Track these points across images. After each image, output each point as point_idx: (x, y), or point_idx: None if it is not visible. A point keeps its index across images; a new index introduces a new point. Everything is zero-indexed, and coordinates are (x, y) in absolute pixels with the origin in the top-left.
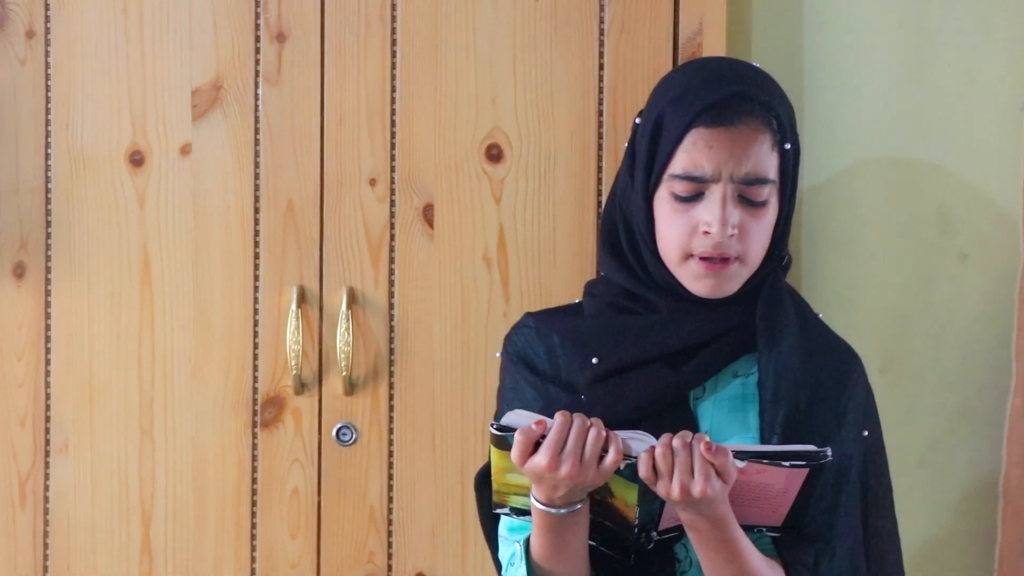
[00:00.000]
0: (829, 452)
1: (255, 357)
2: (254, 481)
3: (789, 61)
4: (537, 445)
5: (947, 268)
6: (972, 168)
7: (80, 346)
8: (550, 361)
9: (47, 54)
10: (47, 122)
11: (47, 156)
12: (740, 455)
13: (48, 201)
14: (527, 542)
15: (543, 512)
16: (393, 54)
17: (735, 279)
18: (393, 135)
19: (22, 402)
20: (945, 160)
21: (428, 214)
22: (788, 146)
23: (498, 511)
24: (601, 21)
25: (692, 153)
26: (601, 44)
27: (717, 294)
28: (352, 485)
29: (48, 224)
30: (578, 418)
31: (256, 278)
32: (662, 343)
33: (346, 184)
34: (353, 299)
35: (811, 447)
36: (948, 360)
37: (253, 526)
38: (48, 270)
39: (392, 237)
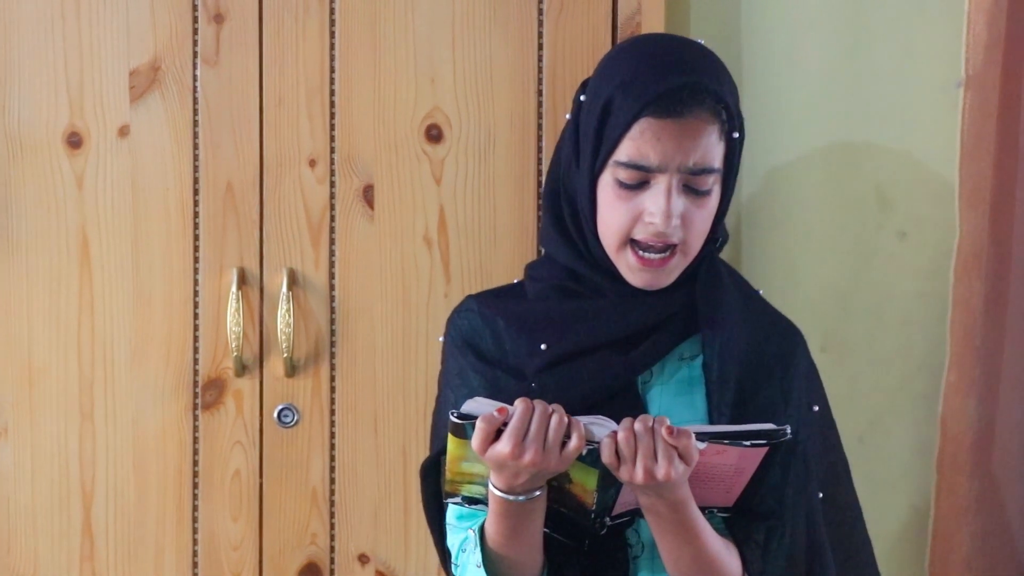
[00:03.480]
0: (788, 430)
1: (195, 339)
2: (195, 463)
3: (727, 42)
4: (498, 433)
5: (886, 246)
6: (909, 145)
7: (19, 329)
8: (496, 345)
9: None
10: None
11: None
12: (701, 436)
13: None
14: (482, 528)
15: (501, 499)
16: (332, 34)
17: (673, 272)
18: (332, 116)
19: None
20: (883, 138)
21: (368, 195)
22: (736, 135)
23: (449, 501)
24: (540, 1)
25: (639, 143)
26: (540, 24)
27: (653, 286)
28: (294, 467)
29: None
30: (540, 405)
31: (196, 260)
32: (610, 329)
33: (285, 165)
34: (293, 281)
35: (771, 425)
36: (888, 337)
37: (194, 509)
38: None
39: (332, 218)
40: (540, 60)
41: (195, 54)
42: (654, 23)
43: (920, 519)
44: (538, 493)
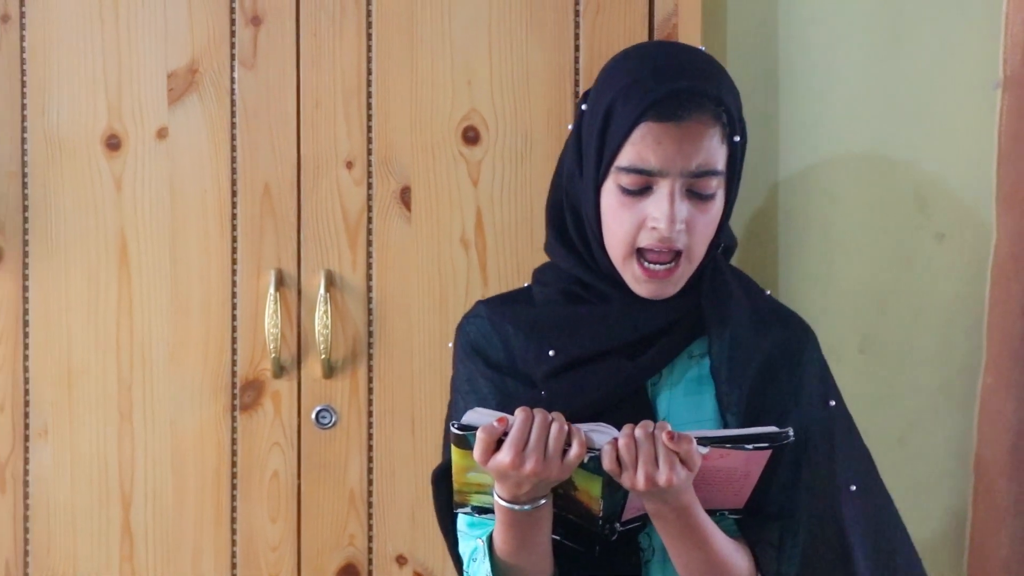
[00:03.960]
0: (791, 433)
1: (233, 340)
2: (234, 465)
3: (764, 43)
4: (499, 443)
5: (924, 248)
6: (947, 147)
7: (58, 330)
8: (505, 352)
9: (22, 38)
10: (23, 107)
11: (23, 141)
12: (703, 441)
13: (25, 186)
14: (490, 538)
15: (507, 509)
16: (369, 36)
17: (679, 282)
18: (369, 118)
19: (0, 387)
20: (920, 139)
21: (405, 197)
22: (737, 139)
23: (459, 510)
24: (576, 3)
25: (640, 147)
26: (577, 26)
27: (659, 296)
28: (332, 468)
29: (25, 209)
30: (539, 414)
31: (234, 262)
32: (618, 334)
33: (323, 167)
34: (331, 282)
35: (773, 429)
36: (926, 339)
37: (233, 510)
38: (25, 255)
39: (369, 220)
40: (577, 62)
41: (232, 56)
42: (691, 25)
43: (958, 522)
44: (543, 502)
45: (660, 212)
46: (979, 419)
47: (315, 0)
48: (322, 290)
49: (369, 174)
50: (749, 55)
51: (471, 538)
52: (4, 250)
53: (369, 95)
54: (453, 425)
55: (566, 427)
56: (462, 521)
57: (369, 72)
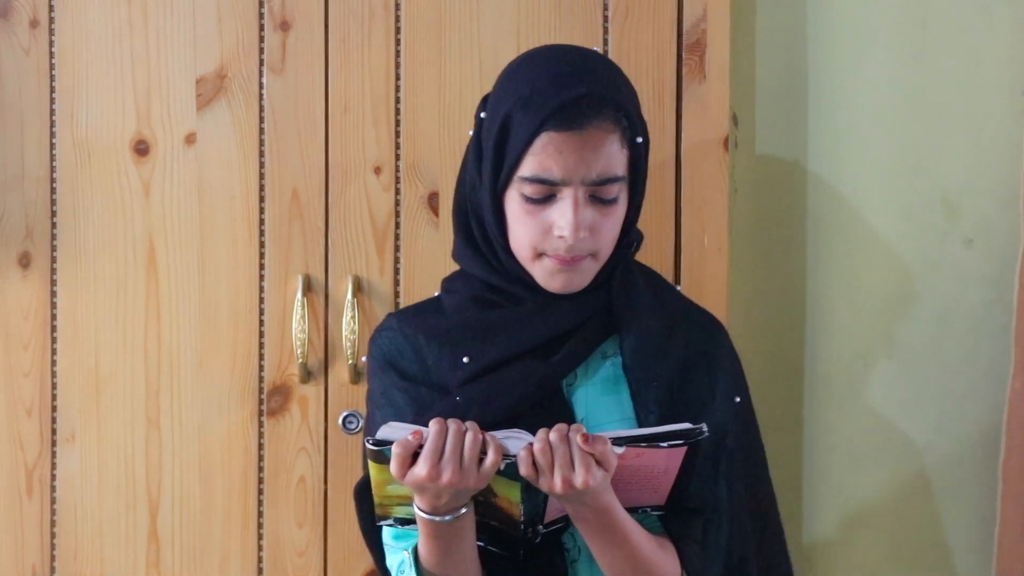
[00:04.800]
0: (705, 428)
1: (261, 346)
2: (260, 470)
3: (793, 49)
4: (415, 456)
5: (952, 253)
6: (975, 153)
7: (86, 336)
8: (418, 362)
9: (51, 44)
10: (51, 112)
11: (52, 146)
12: (618, 441)
13: (53, 191)
14: (415, 550)
15: (428, 520)
16: (397, 42)
17: (587, 273)
18: (398, 123)
19: (28, 392)
20: (948, 145)
21: (433, 202)
22: (639, 140)
23: (382, 523)
24: (605, 8)
25: (542, 157)
26: (605, 31)
27: (569, 289)
28: (359, 473)
29: (53, 214)
30: (453, 423)
31: (262, 267)
32: (530, 336)
33: (351, 172)
34: (359, 287)
35: (687, 425)
36: (954, 344)
37: (260, 515)
38: (54, 260)
39: (397, 225)
40: None
41: (261, 62)
42: (719, 30)
43: (986, 527)
44: (464, 511)
45: (565, 220)
46: (1007, 424)
47: (344, 5)
48: (349, 295)
49: (397, 179)
50: (778, 61)
51: (398, 551)
52: (32, 255)
53: (397, 100)
54: (368, 441)
55: (480, 436)
56: (387, 534)
57: (398, 77)
